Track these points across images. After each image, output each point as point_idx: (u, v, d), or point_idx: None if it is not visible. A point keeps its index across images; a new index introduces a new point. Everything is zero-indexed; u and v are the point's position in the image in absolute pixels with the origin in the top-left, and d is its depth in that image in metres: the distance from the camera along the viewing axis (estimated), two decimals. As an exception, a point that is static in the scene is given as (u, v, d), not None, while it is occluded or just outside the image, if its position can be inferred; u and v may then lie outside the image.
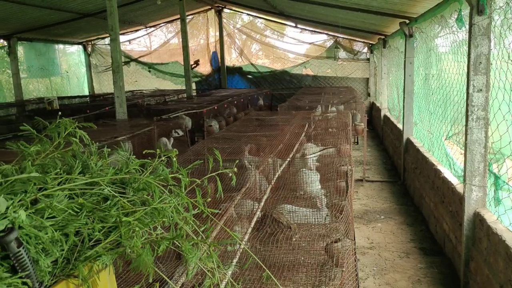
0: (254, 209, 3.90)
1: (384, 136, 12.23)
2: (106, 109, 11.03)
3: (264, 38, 18.52)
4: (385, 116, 12.20)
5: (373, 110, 15.54)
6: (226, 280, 1.68)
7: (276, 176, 4.72)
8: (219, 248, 1.52)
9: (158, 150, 1.71)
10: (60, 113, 1.80)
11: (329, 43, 17.34)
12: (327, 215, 3.66)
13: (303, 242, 3.61)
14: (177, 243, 1.45)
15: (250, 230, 3.36)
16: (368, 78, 16.88)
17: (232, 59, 18.91)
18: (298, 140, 6.05)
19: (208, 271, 1.48)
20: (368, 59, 16.69)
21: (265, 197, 4.20)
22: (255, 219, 3.66)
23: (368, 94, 16.75)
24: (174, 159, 1.70)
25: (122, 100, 8.95)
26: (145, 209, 1.39)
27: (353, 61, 17.07)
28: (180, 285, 2.13)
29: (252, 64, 18.35)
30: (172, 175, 1.61)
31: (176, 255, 2.62)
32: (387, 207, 7.16)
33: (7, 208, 1.12)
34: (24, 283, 1.06)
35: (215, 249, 1.48)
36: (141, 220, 1.36)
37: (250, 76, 18.45)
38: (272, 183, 4.45)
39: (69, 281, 1.22)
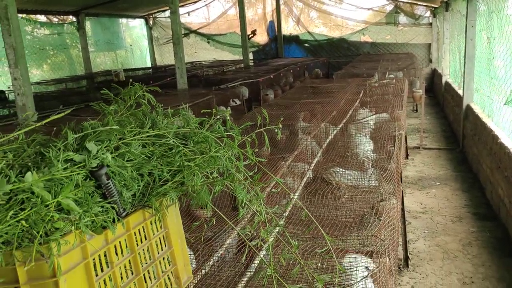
0: (305, 171, 4.14)
1: (445, 103, 11.90)
2: (168, 79, 11.54)
3: (322, 6, 18.23)
4: (446, 82, 11.84)
5: (434, 77, 15.05)
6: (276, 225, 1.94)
7: (328, 141, 4.90)
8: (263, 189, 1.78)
9: (214, 109, 1.98)
10: (131, 80, 2.12)
11: (389, 8, 16.81)
12: (373, 176, 3.82)
13: (351, 202, 3.81)
14: (229, 185, 1.73)
15: (300, 188, 3.61)
16: (430, 44, 16.27)
17: (289, 27, 18.84)
18: (352, 107, 6.16)
19: (256, 210, 1.75)
20: (431, 24, 16.04)
21: (316, 159, 4.42)
22: (305, 179, 3.91)
23: (430, 61, 16.18)
24: (228, 117, 1.97)
25: (183, 71, 9.37)
26: (203, 156, 1.67)
27: (414, 26, 16.48)
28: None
29: (309, 32, 18.21)
30: (227, 132, 1.88)
31: (232, 206, 2.93)
32: (443, 174, 7.13)
33: (97, 151, 1.43)
34: (112, 208, 1.38)
35: (262, 191, 1.74)
36: (200, 165, 1.64)
37: (307, 45, 18.35)
38: (323, 147, 4.65)
39: (144, 210, 1.54)
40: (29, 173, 1.14)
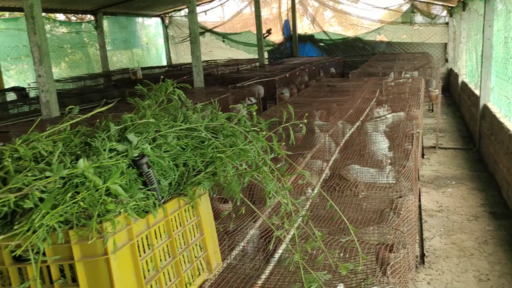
0: (323, 168, 4.21)
1: (461, 103, 11.85)
2: (185, 78, 11.67)
3: (337, 5, 18.22)
4: (462, 82, 11.78)
5: (451, 77, 14.96)
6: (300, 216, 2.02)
7: (345, 139, 4.97)
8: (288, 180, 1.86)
9: (241, 104, 2.08)
10: (162, 76, 2.23)
11: (405, 7, 16.74)
12: (390, 173, 3.88)
13: (369, 198, 3.87)
14: (257, 176, 1.82)
15: (319, 184, 3.69)
16: (446, 44, 16.17)
17: (303, 27, 18.88)
18: (368, 105, 6.21)
19: (282, 201, 1.83)
20: (447, 23, 15.94)
21: (334, 157, 4.49)
22: (323, 176, 3.98)
23: (446, 60, 16.08)
24: (254, 112, 2.06)
25: (199, 69, 9.49)
26: (233, 149, 1.76)
27: (430, 26, 16.39)
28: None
29: (324, 31, 18.22)
30: (253, 127, 1.97)
31: (251, 200, 3.02)
32: (459, 173, 7.14)
33: (137, 142, 1.53)
34: (152, 195, 1.48)
35: (288, 182, 1.83)
36: (231, 157, 1.73)
37: (322, 44, 18.36)
38: (341, 145, 4.72)
39: (180, 198, 1.63)
40: (81, 160, 1.24)
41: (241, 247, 2.73)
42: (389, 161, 4.34)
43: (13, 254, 1.22)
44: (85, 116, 1.55)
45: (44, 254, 1.20)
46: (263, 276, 2.31)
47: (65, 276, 1.23)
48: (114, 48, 18.18)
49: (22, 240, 1.09)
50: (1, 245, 1.21)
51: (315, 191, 3.47)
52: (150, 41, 20.51)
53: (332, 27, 18.72)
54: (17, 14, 14.24)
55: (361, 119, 5.50)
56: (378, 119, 5.71)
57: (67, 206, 1.14)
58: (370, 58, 14.74)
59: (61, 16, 16.68)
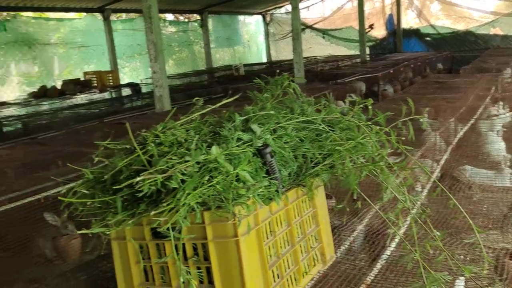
0: (433, 168, 4.01)
1: None
2: (288, 74, 11.76)
3: (446, -4, 17.18)
4: None
5: None
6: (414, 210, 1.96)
7: (457, 138, 4.69)
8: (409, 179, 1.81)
9: (357, 98, 2.06)
10: (278, 71, 2.29)
11: (525, -3, 15.28)
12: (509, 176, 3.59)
13: (484, 202, 3.61)
14: (374, 171, 1.79)
15: (429, 184, 3.52)
16: None
17: (408, 21, 18.07)
18: (482, 103, 5.79)
19: (400, 197, 1.79)
20: None
21: (445, 157, 4.26)
22: (434, 175, 3.79)
23: None
24: (370, 107, 2.03)
25: (300, 65, 9.53)
26: (351, 142, 1.75)
27: (555, 16, 14.79)
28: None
29: (431, 25, 17.27)
30: (369, 120, 1.95)
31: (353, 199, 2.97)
32: None
33: (261, 132, 1.59)
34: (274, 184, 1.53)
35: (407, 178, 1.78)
36: (349, 150, 1.73)
37: (428, 38, 17.42)
38: (453, 144, 4.46)
39: (298, 189, 1.67)
40: (214, 147, 1.33)
41: (348, 242, 2.71)
42: (508, 163, 4.01)
43: (152, 231, 1.34)
44: (213, 107, 1.64)
45: (179, 232, 1.30)
46: (373, 273, 2.27)
47: (198, 254, 1.33)
48: (217, 46, 18.91)
49: (168, 217, 1.19)
50: (143, 221, 1.34)
51: (425, 190, 3.33)
52: (251, 39, 21.02)
53: (440, 20, 17.68)
54: (132, 15, 15.41)
55: (474, 117, 5.15)
56: (494, 117, 5.30)
57: (204, 189, 1.22)
58: (483, 53, 13.68)
59: (170, 16, 17.75)
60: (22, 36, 11.60)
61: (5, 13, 12.03)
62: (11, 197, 3.27)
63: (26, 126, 7.39)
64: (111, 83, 11.86)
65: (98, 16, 13.00)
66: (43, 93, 10.42)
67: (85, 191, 1.36)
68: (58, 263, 3.01)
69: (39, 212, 3.01)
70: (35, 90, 10.84)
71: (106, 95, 11.00)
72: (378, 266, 2.35)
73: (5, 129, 7.31)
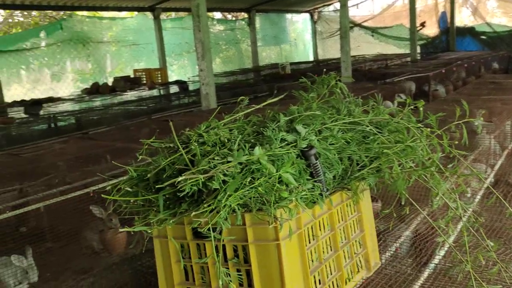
0: (487, 174, 3.82)
1: None
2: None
3: (505, -8, 16.35)
4: None
5: None
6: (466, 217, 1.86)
7: (514, 142, 4.45)
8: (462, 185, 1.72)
9: (406, 98, 1.98)
10: (324, 69, 2.24)
11: None
12: None
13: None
14: (424, 177, 1.71)
15: (482, 190, 3.35)
16: None
17: (462, 18, 17.35)
18: (543, 106, 5.46)
19: (451, 204, 1.70)
20: None
21: (500, 162, 4.05)
22: (488, 181, 3.61)
23: None
24: (421, 108, 1.94)
25: (348, 64, 9.36)
26: (401, 145, 1.68)
27: None
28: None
29: (487, 23, 16.50)
30: (420, 122, 1.86)
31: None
32: None
33: (305, 133, 1.55)
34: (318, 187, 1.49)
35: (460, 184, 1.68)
36: (398, 154, 1.66)
37: (483, 37, 16.65)
38: (509, 149, 4.23)
39: (343, 192, 1.62)
40: (257, 148, 1.30)
41: (393, 248, 2.62)
42: None
43: (194, 230, 1.33)
44: (257, 107, 1.62)
45: (220, 233, 1.29)
46: (419, 281, 2.18)
47: (238, 256, 1.31)
48: (264, 44, 18.91)
49: (209, 218, 1.18)
50: (184, 221, 1.34)
51: (477, 197, 3.17)
52: (298, 37, 20.87)
53: (497, 17, 16.86)
54: (181, 14, 15.68)
55: (534, 120, 4.86)
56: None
57: (246, 191, 1.20)
58: (545, 52, 12.93)
59: (218, 15, 17.93)
60: (77, 35, 12.06)
61: (61, 13, 12.58)
62: (62, 190, 3.40)
63: (78, 121, 7.68)
64: (159, 81, 12.13)
65: (149, 15, 13.34)
66: (96, 89, 10.81)
67: (128, 188, 1.38)
68: (104, 256, 3.10)
69: (88, 205, 3.11)
70: (88, 86, 11.28)
71: (154, 92, 11.25)
72: (425, 274, 2.26)
73: (59, 123, 7.62)
